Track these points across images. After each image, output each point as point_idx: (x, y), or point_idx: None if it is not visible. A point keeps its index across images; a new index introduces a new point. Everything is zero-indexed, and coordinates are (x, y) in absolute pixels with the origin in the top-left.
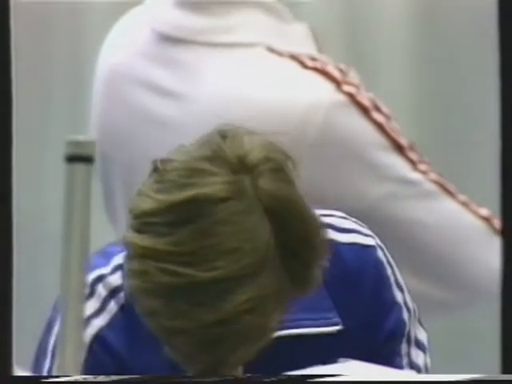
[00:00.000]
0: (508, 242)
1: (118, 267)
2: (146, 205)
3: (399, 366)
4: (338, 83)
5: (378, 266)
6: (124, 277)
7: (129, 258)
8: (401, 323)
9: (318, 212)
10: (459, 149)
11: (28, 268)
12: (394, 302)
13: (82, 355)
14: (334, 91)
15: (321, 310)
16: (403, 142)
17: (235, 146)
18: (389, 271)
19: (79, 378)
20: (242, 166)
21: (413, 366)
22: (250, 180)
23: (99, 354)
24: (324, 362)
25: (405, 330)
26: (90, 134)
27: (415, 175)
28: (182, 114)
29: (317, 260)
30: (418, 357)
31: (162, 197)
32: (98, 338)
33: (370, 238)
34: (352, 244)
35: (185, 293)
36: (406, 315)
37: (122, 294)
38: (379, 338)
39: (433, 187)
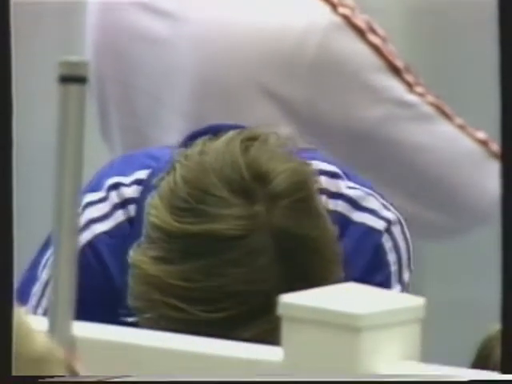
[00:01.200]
0: (507, 166)
1: (138, 182)
2: (161, 224)
3: None
4: (333, 5)
5: (378, 251)
6: (141, 192)
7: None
8: None
9: (345, 183)
10: (456, 70)
11: (22, 192)
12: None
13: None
14: (330, 13)
15: None
16: (399, 64)
17: (258, 167)
18: (391, 259)
19: (79, 377)
20: (260, 194)
21: None
22: (266, 212)
23: (90, 260)
24: None
25: None
26: (86, 53)
27: (412, 97)
28: (177, 33)
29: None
30: None
31: (177, 223)
32: (96, 242)
33: (382, 222)
34: (359, 224)
35: (184, 325)
36: None
37: (133, 207)
38: None
39: (430, 110)
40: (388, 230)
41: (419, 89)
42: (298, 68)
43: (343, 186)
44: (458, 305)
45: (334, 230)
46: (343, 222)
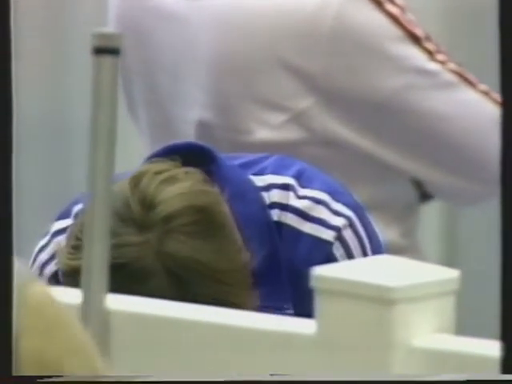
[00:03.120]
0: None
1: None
2: (60, 265)
3: None
4: None
5: (329, 261)
6: None
7: None
8: None
9: (296, 193)
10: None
11: (55, 162)
12: None
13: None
14: None
15: (277, 298)
16: (419, 32)
17: (144, 196)
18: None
19: (79, 378)
20: (149, 221)
21: None
22: (157, 238)
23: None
24: None
25: None
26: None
27: (433, 65)
28: (195, 9)
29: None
30: None
31: (68, 261)
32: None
33: (330, 232)
34: (309, 235)
35: None
36: None
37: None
38: None
39: (452, 77)
40: (339, 238)
41: (440, 56)
42: (316, 40)
43: (292, 198)
44: (491, 277)
45: (241, 255)
46: (294, 234)
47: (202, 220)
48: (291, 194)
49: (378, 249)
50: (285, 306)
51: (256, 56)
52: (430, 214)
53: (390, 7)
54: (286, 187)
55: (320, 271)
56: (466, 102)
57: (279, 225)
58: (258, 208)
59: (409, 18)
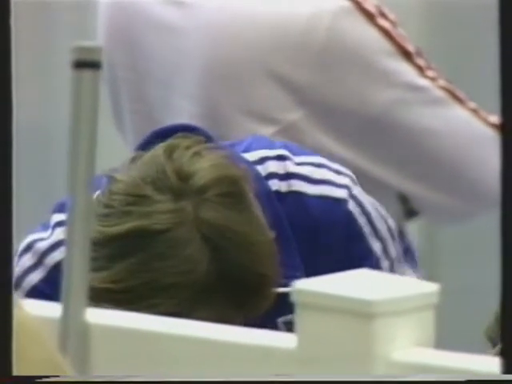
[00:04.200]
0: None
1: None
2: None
3: None
4: None
5: (348, 218)
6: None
7: None
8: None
9: (293, 161)
10: (467, 55)
11: (35, 175)
12: (369, 253)
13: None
14: None
15: (289, 268)
16: (410, 48)
17: (180, 167)
18: (362, 222)
19: (79, 378)
20: (185, 191)
21: None
22: (192, 206)
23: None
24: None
25: None
26: (98, 40)
27: (423, 81)
28: (187, 19)
29: (266, 285)
30: None
31: (102, 228)
32: (35, 290)
33: (342, 190)
34: (320, 197)
35: None
36: (385, 264)
37: (56, 253)
38: None
39: (441, 94)
40: (351, 196)
41: (430, 73)
42: (307, 52)
43: (291, 166)
44: (471, 290)
45: (268, 229)
46: (301, 198)
47: (234, 192)
48: (288, 162)
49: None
50: (297, 274)
51: (246, 67)
52: (410, 228)
53: (381, 22)
54: (281, 158)
55: (300, 285)
56: (454, 118)
57: (280, 194)
58: (256, 180)
59: (400, 33)
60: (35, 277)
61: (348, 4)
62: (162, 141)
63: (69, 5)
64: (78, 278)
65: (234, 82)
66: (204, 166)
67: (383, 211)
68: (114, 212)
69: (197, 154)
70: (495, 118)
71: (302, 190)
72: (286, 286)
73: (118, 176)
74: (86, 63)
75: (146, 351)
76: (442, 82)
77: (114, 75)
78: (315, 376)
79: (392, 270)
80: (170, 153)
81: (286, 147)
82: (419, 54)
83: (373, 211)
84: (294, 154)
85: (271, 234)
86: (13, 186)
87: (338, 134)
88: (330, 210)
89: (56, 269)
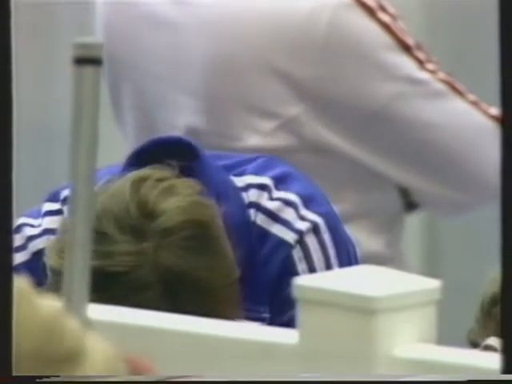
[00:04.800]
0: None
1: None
2: (51, 264)
3: None
4: None
5: (287, 263)
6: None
7: None
8: None
9: (270, 194)
10: (468, 47)
11: (36, 172)
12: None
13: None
14: None
15: (255, 302)
16: (410, 41)
17: (145, 204)
18: (300, 269)
19: (79, 378)
20: (147, 231)
21: None
22: (153, 249)
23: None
24: None
25: None
26: (98, 37)
27: (423, 74)
28: (186, 15)
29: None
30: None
31: (61, 261)
32: (16, 270)
33: (292, 234)
34: (274, 236)
35: None
36: None
37: (40, 240)
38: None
39: (441, 87)
40: (299, 242)
41: (430, 66)
42: (308, 47)
43: (265, 198)
44: (473, 286)
45: (234, 271)
46: (262, 234)
47: (200, 235)
48: (265, 194)
49: (346, 259)
50: (261, 309)
51: (247, 62)
52: (412, 224)
53: (382, 15)
54: (262, 187)
55: (302, 281)
56: (454, 111)
57: (253, 225)
58: (238, 208)
59: (400, 27)
60: (18, 258)
61: None
62: (147, 157)
63: (70, 1)
64: (78, 275)
65: (234, 77)
66: (170, 207)
67: (333, 259)
68: None
69: (166, 190)
70: (495, 110)
71: (265, 226)
72: (251, 320)
73: None
74: (87, 59)
75: (146, 347)
76: (441, 75)
77: (114, 71)
78: (317, 374)
79: None
80: (137, 187)
81: (278, 176)
82: (419, 47)
83: (318, 262)
84: (281, 185)
85: (236, 272)
86: (13, 182)
87: (338, 127)
88: (274, 252)
89: (36, 256)
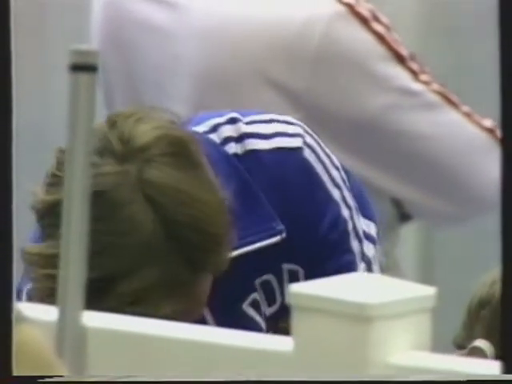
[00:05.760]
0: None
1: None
2: (34, 204)
3: (351, 263)
4: None
5: (305, 166)
6: None
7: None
8: (340, 220)
9: (241, 119)
10: (461, 59)
11: (31, 179)
12: (330, 200)
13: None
14: (334, 2)
15: (264, 220)
16: (404, 52)
17: (122, 132)
18: (319, 169)
19: (79, 378)
20: (127, 153)
21: (364, 259)
22: (136, 168)
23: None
24: (271, 270)
25: (348, 227)
26: (92, 43)
27: (417, 86)
28: (180, 23)
29: (217, 244)
30: (369, 249)
31: (45, 197)
32: None
33: (296, 139)
34: (275, 149)
35: None
36: (345, 212)
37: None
38: (319, 238)
39: (435, 98)
40: (306, 144)
41: (424, 77)
42: (301, 57)
43: (243, 126)
44: (468, 294)
45: (219, 189)
46: (258, 155)
47: (179, 152)
48: (240, 124)
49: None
50: (274, 225)
51: (241, 71)
52: (406, 232)
53: (375, 26)
54: (232, 121)
55: (297, 288)
56: (448, 123)
57: (238, 156)
58: (211, 148)
59: (394, 38)
60: None
61: (342, 9)
62: None
63: (66, 8)
64: (74, 282)
65: (228, 87)
66: (146, 128)
67: (335, 160)
68: (56, 182)
69: (140, 119)
70: (489, 122)
71: (257, 148)
72: (267, 238)
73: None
74: (83, 66)
75: (142, 354)
76: (435, 86)
77: (108, 79)
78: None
79: (352, 218)
80: (112, 122)
81: (234, 111)
82: (413, 58)
83: (326, 160)
84: (243, 115)
85: (222, 194)
86: (13, 189)
87: (332, 138)
88: (285, 161)
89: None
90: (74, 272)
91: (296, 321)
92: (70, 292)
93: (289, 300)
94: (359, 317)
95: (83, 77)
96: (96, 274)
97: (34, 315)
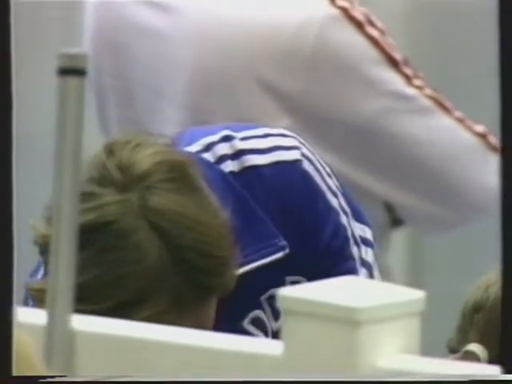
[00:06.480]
0: (507, 160)
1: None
2: (36, 238)
3: (353, 269)
4: None
5: (306, 178)
6: None
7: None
8: (340, 227)
9: (235, 135)
10: (456, 64)
11: (20, 183)
12: (330, 208)
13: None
14: (328, 6)
15: (267, 237)
16: (398, 56)
17: (120, 160)
18: (317, 179)
19: (80, 378)
20: (128, 182)
21: (364, 265)
22: (137, 196)
23: None
24: (274, 285)
25: (347, 233)
26: (85, 46)
27: (410, 90)
28: (175, 26)
29: (222, 266)
30: (368, 254)
31: (45, 232)
32: None
33: (293, 151)
34: (274, 163)
35: None
36: (344, 219)
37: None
38: (322, 247)
39: (428, 103)
40: (303, 155)
41: (418, 82)
42: (295, 60)
43: (238, 143)
44: (457, 298)
45: (221, 211)
46: (256, 171)
47: (179, 177)
48: (235, 140)
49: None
50: (276, 241)
51: (235, 75)
52: (396, 235)
53: (370, 30)
54: (226, 139)
55: (286, 292)
56: (440, 128)
57: (235, 173)
58: (206, 167)
59: (388, 42)
60: None
61: (336, 12)
62: None
63: (58, 9)
64: (63, 286)
65: (222, 90)
66: (144, 155)
67: (328, 168)
68: None
69: (137, 145)
70: (481, 128)
71: (256, 163)
72: (270, 255)
73: None
74: (72, 70)
75: (131, 358)
76: (428, 91)
77: (100, 82)
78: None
79: (349, 224)
80: (109, 150)
81: (226, 128)
82: (406, 62)
83: (322, 169)
84: (235, 131)
85: (224, 216)
86: (13, 189)
87: (324, 141)
88: (286, 174)
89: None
90: (62, 275)
91: (285, 324)
92: (59, 295)
93: (278, 304)
94: (348, 320)
95: (72, 81)
96: (107, 305)
97: (22, 318)
